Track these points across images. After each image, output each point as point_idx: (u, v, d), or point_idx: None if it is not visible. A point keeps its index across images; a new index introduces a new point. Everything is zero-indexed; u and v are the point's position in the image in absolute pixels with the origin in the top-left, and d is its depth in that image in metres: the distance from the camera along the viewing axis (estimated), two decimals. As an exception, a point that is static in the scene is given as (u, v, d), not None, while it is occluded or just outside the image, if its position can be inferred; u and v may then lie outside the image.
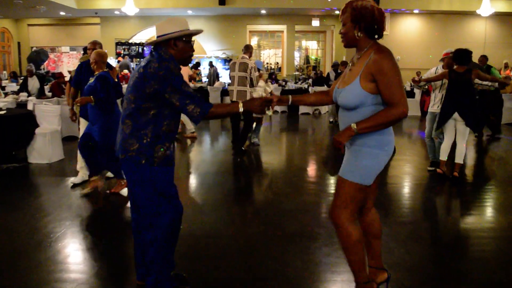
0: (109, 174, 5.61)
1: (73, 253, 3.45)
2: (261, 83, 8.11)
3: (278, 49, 20.19)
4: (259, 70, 7.77)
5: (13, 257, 3.39)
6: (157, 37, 2.43)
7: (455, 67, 5.48)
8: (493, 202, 4.91)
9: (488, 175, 6.30)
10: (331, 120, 11.18)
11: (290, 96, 2.61)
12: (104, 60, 4.71)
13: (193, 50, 2.55)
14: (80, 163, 5.29)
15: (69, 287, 2.88)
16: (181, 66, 2.46)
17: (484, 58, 9.44)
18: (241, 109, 2.43)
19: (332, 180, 5.74)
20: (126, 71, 14.36)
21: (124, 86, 11.79)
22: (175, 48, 2.42)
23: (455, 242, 3.77)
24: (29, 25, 20.69)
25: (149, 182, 2.43)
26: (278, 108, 13.22)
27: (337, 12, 17.36)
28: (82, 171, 5.29)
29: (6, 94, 9.13)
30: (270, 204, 4.72)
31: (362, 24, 2.30)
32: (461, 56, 5.39)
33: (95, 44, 5.19)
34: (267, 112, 2.53)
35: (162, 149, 2.42)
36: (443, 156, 5.60)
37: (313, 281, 2.94)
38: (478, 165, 6.93)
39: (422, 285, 2.94)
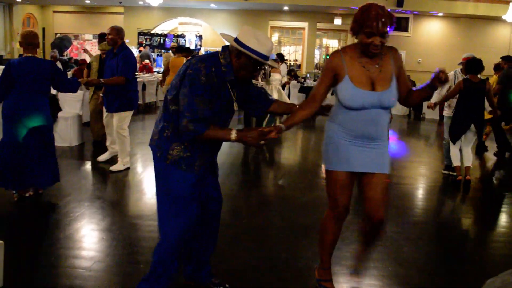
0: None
1: (91, 232, 3.56)
2: (277, 76, 8.16)
3: (299, 46, 20.16)
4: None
5: (34, 234, 3.53)
6: (235, 38, 2.20)
7: (467, 76, 5.35)
8: (506, 207, 4.89)
9: (502, 181, 6.25)
10: None
11: (282, 125, 2.34)
12: (29, 42, 4.03)
13: (253, 77, 2.33)
14: (109, 141, 5.49)
15: (86, 263, 2.99)
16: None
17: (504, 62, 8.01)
18: (233, 138, 2.18)
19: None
20: (147, 61, 14.54)
21: (145, 76, 11.97)
22: (238, 60, 2.20)
23: (465, 244, 3.79)
24: (54, 11, 21.03)
25: (163, 178, 2.30)
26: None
27: (360, 11, 17.24)
28: (110, 149, 5.48)
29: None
30: (284, 198, 4.78)
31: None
32: (473, 66, 5.31)
33: (112, 30, 4.99)
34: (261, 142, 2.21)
35: (178, 149, 2.23)
36: (456, 161, 5.48)
37: (322, 273, 2.99)
38: (491, 171, 6.87)
39: (429, 283, 2.97)
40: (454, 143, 5.48)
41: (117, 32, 4.98)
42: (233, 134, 2.17)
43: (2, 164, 4.01)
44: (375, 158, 2.42)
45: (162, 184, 2.32)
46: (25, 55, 4.07)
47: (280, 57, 9.20)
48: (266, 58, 2.20)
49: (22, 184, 4.09)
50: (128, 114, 5.23)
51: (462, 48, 15.40)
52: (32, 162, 4.04)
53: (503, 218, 4.52)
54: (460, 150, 5.49)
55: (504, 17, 14.36)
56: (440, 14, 17.04)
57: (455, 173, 5.60)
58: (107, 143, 5.61)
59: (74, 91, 4.44)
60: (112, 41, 4.98)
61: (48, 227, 3.70)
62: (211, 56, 2.23)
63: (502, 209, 4.82)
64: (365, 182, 2.47)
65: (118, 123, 5.18)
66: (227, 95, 2.27)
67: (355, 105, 2.35)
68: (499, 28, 17.17)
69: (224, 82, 2.22)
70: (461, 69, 5.86)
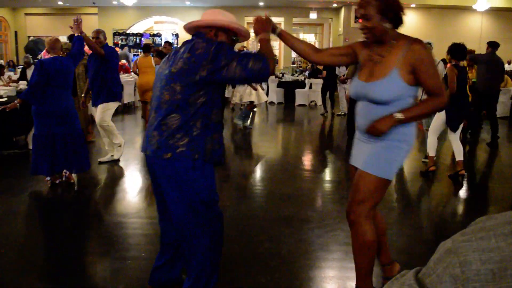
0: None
1: (73, 232, 3.59)
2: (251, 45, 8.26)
3: (276, 41, 20.26)
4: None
5: (18, 237, 3.54)
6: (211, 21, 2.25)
7: (454, 62, 5.04)
8: (481, 193, 5.08)
9: (479, 169, 6.47)
10: (322, 112, 11.14)
11: (279, 28, 2.42)
12: (52, 47, 4.49)
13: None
14: (108, 145, 5.72)
15: (73, 262, 3.03)
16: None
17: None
18: (268, 37, 2.29)
19: (326, 169, 5.89)
20: (124, 61, 14.43)
21: (123, 76, 11.88)
22: (216, 39, 2.20)
23: (442, 226, 3.93)
24: (26, 14, 20.68)
25: (192, 182, 2.15)
26: (274, 99, 13.34)
27: (334, 5, 17.45)
28: (110, 150, 5.73)
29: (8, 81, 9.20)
30: (267, 189, 4.87)
31: (390, 14, 2.13)
32: (458, 50, 5.01)
33: (98, 33, 5.34)
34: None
35: (211, 142, 2.16)
36: (433, 151, 5.36)
37: (306, 259, 3.10)
38: (469, 159, 7.09)
39: (405, 263, 3.09)
40: (455, 131, 5.15)
41: (104, 34, 5.38)
42: (261, 36, 2.29)
43: (36, 154, 4.50)
44: (364, 154, 2.31)
45: (188, 189, 2.17)
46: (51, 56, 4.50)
47: None
48: (242, 27, 2.30)
49: (54, 170, 4.56)
50: (112, 106, 5.43)
51: (434, 39, 15.64)
52: (62, 151, 4.50)
53: (480, 204, 4.70)
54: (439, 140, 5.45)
55: (474, 7, 14.76)
56: (413, 5, 17.35)
57: (426, 160, 5.58)
58: (106, 147, 5.84)
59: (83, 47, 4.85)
60: (101, 43, 5.29)
61: (31, 230, 3.71)
62: (203, 38, 2.19)
63: (478, 195, 5.01)
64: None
65: (100, 115, 5.36)
66: None
67: (351, 94, 2.37)
68: (470, 17, 17.59)
69: None
70: (449, 59, 5.36)
